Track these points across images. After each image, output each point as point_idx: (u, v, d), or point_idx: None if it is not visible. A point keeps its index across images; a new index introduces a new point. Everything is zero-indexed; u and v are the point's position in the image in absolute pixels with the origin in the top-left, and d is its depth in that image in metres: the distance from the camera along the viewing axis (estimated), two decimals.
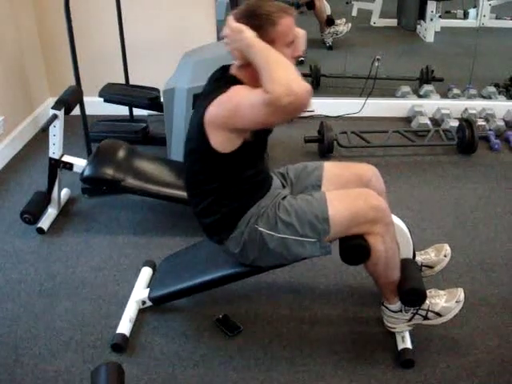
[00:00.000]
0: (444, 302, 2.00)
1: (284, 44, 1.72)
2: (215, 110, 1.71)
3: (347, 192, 1.92)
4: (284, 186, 2.09)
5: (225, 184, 1.87)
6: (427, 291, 1.98)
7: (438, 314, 1.99)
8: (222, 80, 1.81)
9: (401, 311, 2.02)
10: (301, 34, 1.80)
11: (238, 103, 1.68)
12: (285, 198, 1.95)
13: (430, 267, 2.25)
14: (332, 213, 1.83)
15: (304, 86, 1.60)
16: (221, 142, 1.75)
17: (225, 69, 1.86)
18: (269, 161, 3.26)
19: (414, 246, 2.12)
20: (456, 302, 1.99)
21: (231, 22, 1.72)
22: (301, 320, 2.20)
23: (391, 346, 2.06)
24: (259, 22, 1.69)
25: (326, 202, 1.85)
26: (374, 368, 1.99)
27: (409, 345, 2.01)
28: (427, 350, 2.05)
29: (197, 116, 1.79)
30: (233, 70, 1.82)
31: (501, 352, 2.05)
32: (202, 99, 1.83)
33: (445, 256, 2.25)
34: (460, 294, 2.01)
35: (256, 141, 1.81)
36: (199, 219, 1.99)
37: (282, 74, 1.60)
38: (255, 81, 1.69)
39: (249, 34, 1.67)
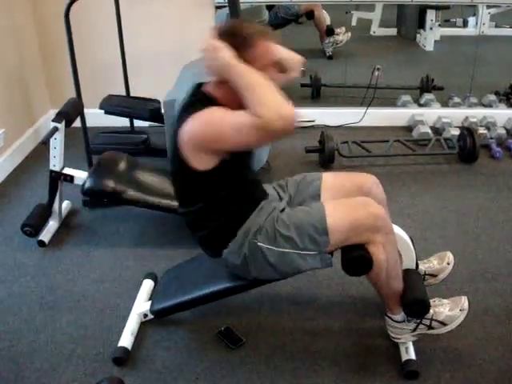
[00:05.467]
0: (448, 310, 1.99)
1: (260, 66, 1.71)
2: (190, 131, 1.71)
3: (347, 201, 1.92)
4: (281, 199, 2.07)
5: (210, 200, 1.87)
6: (431, 300, 1.97)
7: (443, 323, 1.98)
8: (196, 98, 1.81)
9: (404, 321, 2.01)
10: (287, 55, 1.85)
11: (219, 127, 1.68)
12: (283, 210, 1.95)
13: (434, 275, 2.24)
14: (331, 222, 1.82)
15: (291, 109, 1.61)
16: (198, 161, 1.75)
17: (200, 86, 1.86)
18: (270, 171, 3.28)
19: (417, 256, 2.11)
20: (460, 310, 1.98)
21: (210, 38, 1.72)
22: (303, 332, 2.19)
23: (395, 357, 2.04)
24: (238, 41, 1.70)
25: (325, 212, 1.84)
26: (377, 379, 1.97)
27: (412, 356, 2.00)
28: (431, 360, 2.03)
29: (173, 136, 1.79)
30: (208, 88, 1.82)
31: (505, 362, 2.03)
32: (178, 117, 1.82)
33: (448, 264, 2.25)
34: (464, 302, 2.00)
35: (235, 160, 1.79)
36: (192, 233, 2.00)
37: (271, 98, 1.61)
38: (231, 100, 1.70)
39: (226, 53, 1.67)
